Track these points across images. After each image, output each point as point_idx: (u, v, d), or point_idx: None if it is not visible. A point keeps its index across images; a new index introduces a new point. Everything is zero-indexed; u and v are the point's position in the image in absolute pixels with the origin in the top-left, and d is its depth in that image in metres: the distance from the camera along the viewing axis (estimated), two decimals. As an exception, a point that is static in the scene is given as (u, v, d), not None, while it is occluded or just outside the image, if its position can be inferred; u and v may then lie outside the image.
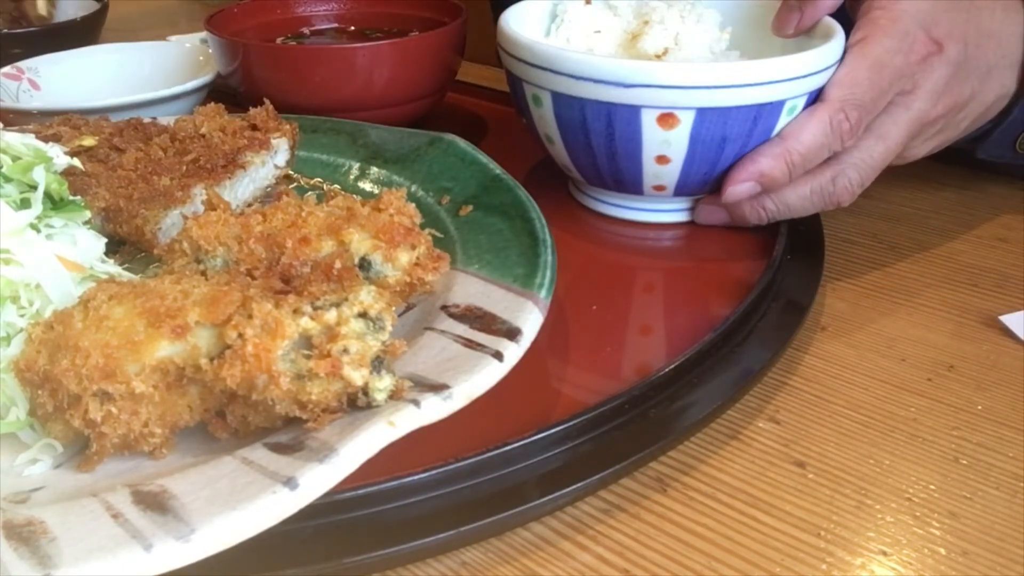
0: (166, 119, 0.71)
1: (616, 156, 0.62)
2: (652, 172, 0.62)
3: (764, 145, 0.60)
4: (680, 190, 0.64)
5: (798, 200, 0.62)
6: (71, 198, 0.53)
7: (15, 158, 0.52)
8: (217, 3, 1.13)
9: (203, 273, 0.48)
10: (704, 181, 0.63)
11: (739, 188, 0.61)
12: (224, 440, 0.43)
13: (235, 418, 0.43)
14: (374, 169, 0.70)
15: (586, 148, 0.63)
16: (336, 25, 0.95)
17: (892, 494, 0.45)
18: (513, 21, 0.66)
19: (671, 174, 0.62)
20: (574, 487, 0.43)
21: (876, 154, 0.61)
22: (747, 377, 0.51)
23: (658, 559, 0.41)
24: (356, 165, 0.71)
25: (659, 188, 0.64)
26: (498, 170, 0.63)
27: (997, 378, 0.53)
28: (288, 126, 0.69)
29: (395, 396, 0.41)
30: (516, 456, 0.44)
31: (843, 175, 0.61)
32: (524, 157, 0.77)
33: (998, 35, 0.63)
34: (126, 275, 0.52)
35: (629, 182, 0.64)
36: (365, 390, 0.40)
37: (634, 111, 0.58)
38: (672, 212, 0.67)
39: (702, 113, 0.58)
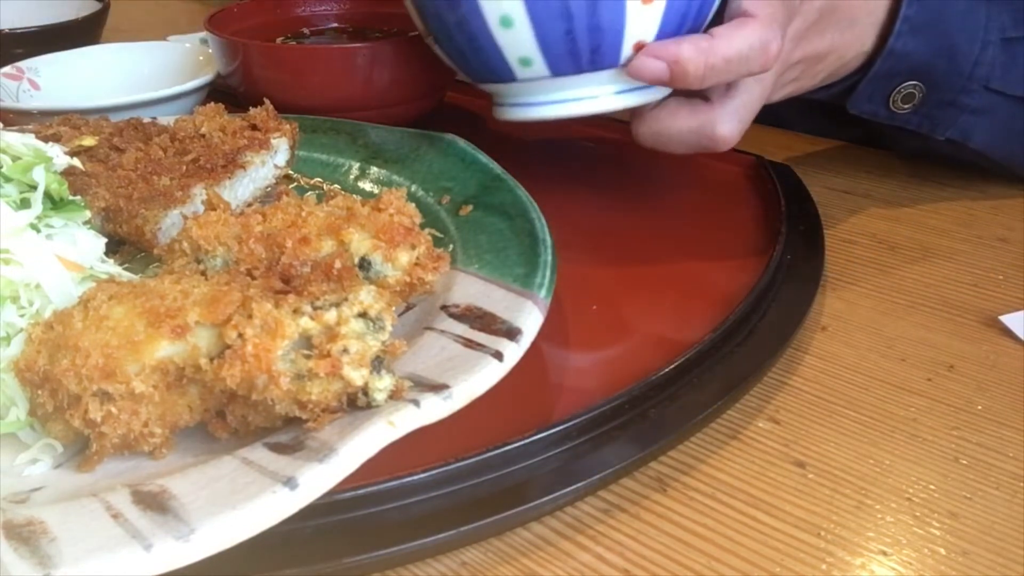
0: (166, 119, 0.71)
1: (598, 7, 0.57)
2: (635, 23, 0.58)
3: (692, 36, 0.58)
4: None
5: (677, 135, 0.60)
6: (71, 198, 0.53)
7: (15, 158, 0.52)
8: (217, 3, 1.13)
9: (203, 273, 0.48)
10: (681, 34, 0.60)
11: (651, 64, 0.57)
12: (224, 440, 0.43)
13: (235, 418, 0.43)
14: (374, 169, 0.70)
15: (562, 10, 0.57)
16: (336, 25, 0.95)
17: (892, 494, 0.45)
18: None
19: (652, 22, 0.58)
20: (574, 487, 0.43)
21: (756, 96, 0.60)
22: (747, 377, 0.51)
23: (658, 559, 0.41)
24: (356, 165, 0.71)
25: (639, 47, 0.59)
26: (498, 170, 0.63)
27: (997, 378, 0.53)
28: (288, 126, 0.69)
29: (395, 396, 0.41)
30: (516, 456, 0.44)
31: (726, 121, 0.59)
32: (524, 156, 0.77)
33: None
34: (126, 275, 0.52)
35: (608, 45, 0.59)
36: (365, 390, 0.40)
37: None
38: (636, 92, 0.62)
39: None
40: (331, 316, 0.40)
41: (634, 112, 0.63)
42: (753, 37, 0.56)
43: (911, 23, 0.64)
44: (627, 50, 0.59)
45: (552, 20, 0.58)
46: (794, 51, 0.61)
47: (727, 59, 0.56)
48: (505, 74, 0.62)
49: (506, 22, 0.58)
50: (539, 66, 0.61)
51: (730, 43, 0.56)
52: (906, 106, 0.69)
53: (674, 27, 0.59)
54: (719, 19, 0.60)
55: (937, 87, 0.68)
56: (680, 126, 0.60)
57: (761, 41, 0.56)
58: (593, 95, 0.62)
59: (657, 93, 0.63)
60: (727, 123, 0.59)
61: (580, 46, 0.59)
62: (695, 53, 0.56)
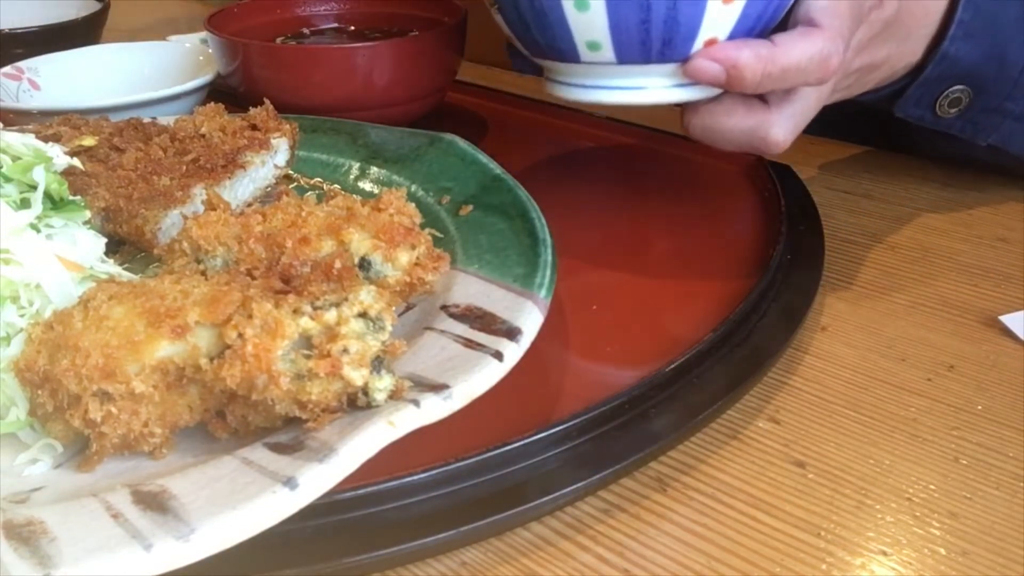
0: (166, 119, 0.71)
1: (679, 3, 0.56)
2: (712, 20, 0.57)
3: (753, 41, 0.57)
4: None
5: (730, 133, 0.60)
6: (71, 198, 0.53)
7: (15, 158, 0.52)
8: (217, 3, 1.13)
9: (203, 273, 0.48)
10: (754, 34, 0.59)
11: (709, 66, 0.56)
12: (224, 440, 0.43)
13: (235, 418, 0.43)
14: (374, 169, 0.70)
15: (642, 1, 0.56)
16: (336, 25, 0.95)
17: (892, 494, 0.45)
18: None
19: (728, 21, 0.57)
20: (574, 487, 0.43)
21: (812, 103, 0.59)
22: (747, 377, 0.51)
23: (658, 559, 0.41)
24: (356, 165, 0.71)
25: (711, 44, 0.58)
26: (498, 170, 0.63)
27: (997, 378, 0.53)
28: (288, 126, 0.69)
29: (395, 396, 0.41)
30: (516, 456, 0.44)
31: (781, 124, 0.59)
32: (524, 156, 0.77)
33: (926, 3, 0.63)
34: (126, 275, 0.52)
35: (681, 39, 0.58)
36: (365, 390, 0.40)
37: None
38: (691, 88, 0.61)
39: None
40: (331, 316, 0.40)
41: (687, 104, 0.62)
42: (814, 49, 0.55)
43: (966, 28, 0.64)
44: (698, 45, 0.58)
45: (630, 9, 0.57)
46: (854, 60, 0.60)
47: (785, 69, 0.55)
48: (569, 54, 0.61)
49: (581, 5, 0.57)
50: (606, 52, 0.60)
51: (790, 52, 0.55)
52: (952, 111, 0.68)
53: (748, 27, 0.58)
54: (784, 21, 0.59)
55: (984, 92, 0.68)
56: (734, 124, 0.59)
57: (822, 54, 0.55)
58: (649, 86, 0.61)
59: (711, 91, 0.61)
60: (782, 127, 0.59)
61: (653, 37, 0.58)
62: (754, 60, 0.55)
